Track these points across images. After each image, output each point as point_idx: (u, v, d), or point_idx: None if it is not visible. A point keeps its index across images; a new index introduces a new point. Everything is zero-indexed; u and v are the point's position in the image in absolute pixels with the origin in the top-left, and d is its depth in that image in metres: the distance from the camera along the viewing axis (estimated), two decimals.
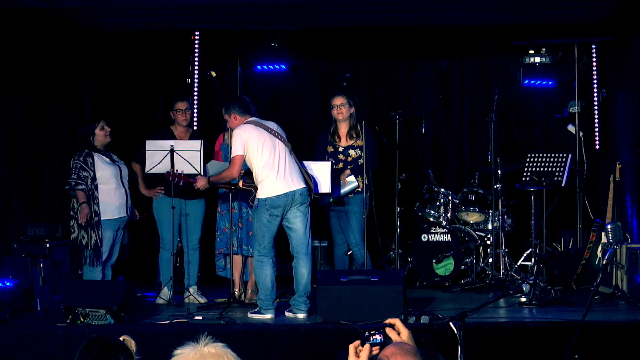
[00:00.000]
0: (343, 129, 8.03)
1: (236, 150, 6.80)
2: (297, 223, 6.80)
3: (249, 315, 6.84)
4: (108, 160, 7.40)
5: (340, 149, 7.97)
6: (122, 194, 7.42)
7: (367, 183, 7.85)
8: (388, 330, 2.89)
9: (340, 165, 7.91)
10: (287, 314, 6.87)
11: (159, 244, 7.92)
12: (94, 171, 7.25)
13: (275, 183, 6.72)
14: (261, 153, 6.75)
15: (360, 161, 7.87)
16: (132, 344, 3.19)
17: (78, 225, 7.23)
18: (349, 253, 8.05)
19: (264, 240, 6.76)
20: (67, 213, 7.67)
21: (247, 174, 6.97)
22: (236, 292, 7.63)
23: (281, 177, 6.73)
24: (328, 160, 7.84)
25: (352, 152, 7.93)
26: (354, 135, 7.98)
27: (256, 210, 6.82)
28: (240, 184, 7.03)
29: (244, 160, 6.84)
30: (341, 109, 7.93)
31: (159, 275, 8.08)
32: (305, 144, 9.81)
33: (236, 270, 7.69)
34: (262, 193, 6.76)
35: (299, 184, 6.80)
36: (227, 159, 7.55)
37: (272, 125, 6.98)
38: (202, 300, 7.66)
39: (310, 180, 6.99)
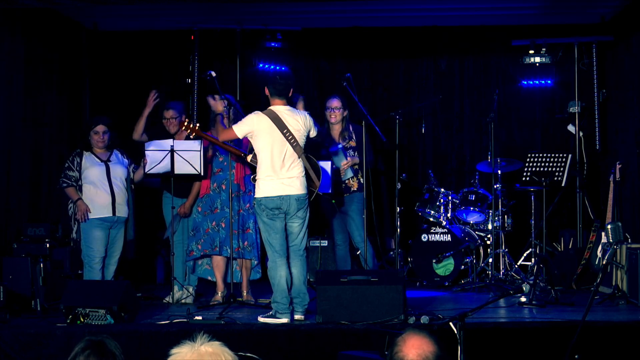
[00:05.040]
0: (336, 130, 8.11)
1: (238, 130, 6.62)
2: (293, 226, 6.66)
3: (261, 319, 6.53)
4: (97, 160, 7.45)
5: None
6: (107, 194, 7.40)
7: (363, 182, 7.86)
8: None
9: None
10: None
11: (158, 245, 7.91)
12: (79, 171, 7.39)
13: (270, 185, 6.54)
14: (264, 152, 6.57)
15: (356, 165, 7.87)
16: None
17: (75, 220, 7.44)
18: (358, 253, 8.03)
19: (273, 240, 6.58)
20: (66, 213, 7.70)
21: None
22: (219, 294, 7.55)
23: (279, 183, 6.54)
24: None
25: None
26: (347, 137, 8.02)
27: (255, 212, 6.72)
28: (249, 158, 6.85)
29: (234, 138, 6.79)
30: (335, 112, 8.04)
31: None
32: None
33: (217, 272, 7.60)
34: (257, 192, 6.63)
35: (296, 191, 6.58)
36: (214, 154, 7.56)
37: (295, 121, 6.64)
38: (189, 300, 7.59)
39: (317, 181, 6.77)
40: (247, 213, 7.56)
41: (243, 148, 7.22)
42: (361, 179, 7.87)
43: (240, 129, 6.64)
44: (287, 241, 6.70)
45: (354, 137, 8.02)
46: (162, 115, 7.82)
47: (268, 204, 6.55)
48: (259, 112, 6.68)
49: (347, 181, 7.97)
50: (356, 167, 7.94)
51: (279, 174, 6.57)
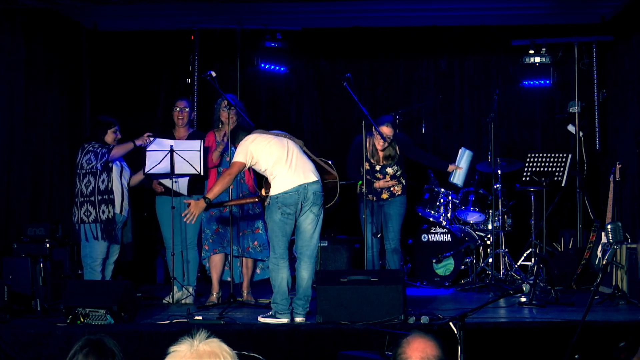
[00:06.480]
0: (380, 154, 7.97)
1: (238, 157, 6.64)
2: (307, 224, 6.59)
3: (261, 319, 6.55)
4: None
5: (378, 167, 7.90)
6: (119, 192, 7.45)
7: (405, 184, 7.85)
8: None
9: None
10: None
11: (158, 245, 7.88)
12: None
13: (286, 178, 6.52)
14: (269, 152, 6.58)
15: (399, 173, 7.91)
16: None
17: (82, 202, 7.31)
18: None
19: (278, 242, 6.54)
20: (68, 212, 7.69)
21: (267, 182, 6.74)
22: (214, 295, 7.54)
23: (292, 171, 6.54)
24: (365, 177, 7.58)
25: (389, 170, 7.92)
26: (391, 158, 7.96)
27: (268, 209, 6.63)
28: (263, 192, 6.83)
29: (244, 168, 6.75)
30: (383, 141, 7.81)
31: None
32: (305, 144, 9.80)
33: (214, 271, 7.59)
34: (273, 190, 6.57)
35: (311, 177, 6.57)
36: (222, 154, 7.54)
37: (278, 132, 6.84)
38: (189, 300, 7.58)
39: (332, 170, 6.83)
40: (255, 213, 7.58)
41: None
42: (404, 182, 7.85)
43: (239, 155, 6.64)
44: (298, 241, 6.65)
45: (397, 149, 7.94)
46: (174, 106, 7.82)
47: (286, 200, 6.49)
48: (246, 137, 6.78)
49: (392, 187, 7.92)
50: (399, 172, 7.90)
51: (289, 165, 6.56)
